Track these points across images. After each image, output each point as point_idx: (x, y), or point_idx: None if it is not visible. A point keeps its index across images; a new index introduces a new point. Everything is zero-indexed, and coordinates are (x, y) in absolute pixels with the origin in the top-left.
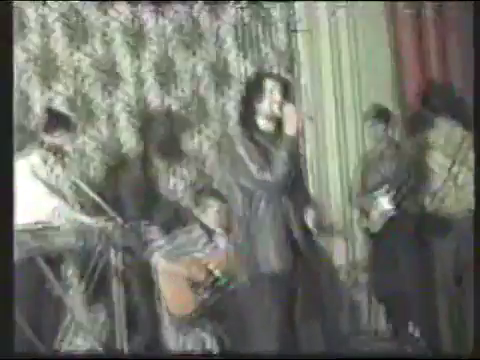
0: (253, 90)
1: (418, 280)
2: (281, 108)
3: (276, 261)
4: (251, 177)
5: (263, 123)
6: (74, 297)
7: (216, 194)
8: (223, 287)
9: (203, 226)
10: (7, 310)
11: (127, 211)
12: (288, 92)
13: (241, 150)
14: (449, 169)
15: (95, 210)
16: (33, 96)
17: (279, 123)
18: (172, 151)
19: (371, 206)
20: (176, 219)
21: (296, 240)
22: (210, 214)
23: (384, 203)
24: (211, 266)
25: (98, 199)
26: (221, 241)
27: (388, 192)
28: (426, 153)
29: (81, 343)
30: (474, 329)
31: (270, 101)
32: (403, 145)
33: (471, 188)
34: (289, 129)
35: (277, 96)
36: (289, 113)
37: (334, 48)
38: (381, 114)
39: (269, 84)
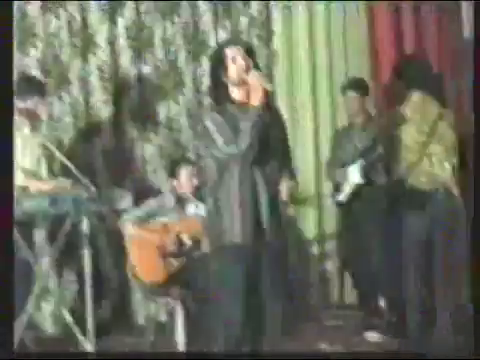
0: (216, 61)
1: (387, 253)
2: (248, 73)
3: (239, 233)
4: (217, 149)
5: (235, 92)
6: (44, 262)
7: (188, 160)
8: (190, 253)
9: (174, 192)
10: (7, 309)
11: (99, 178)
12: (252, 57)
13: (208, 123)
14: (423, 145)
15: (67, 176)
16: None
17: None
18: (146, 118)
19: (343, 179)
20: (149, 188)
21: (262, 213)
22: (182, 178)
23: (354, 173)
24: (179, 232)
25: (70, 165)
26: (190, 207)
27: (359, 163)
28: (400, 127)
29: (48, 308)
30: (474, 329)
31: (235, 69)
32: (377, 118)
33: (446, 164)
34: (253, 99)
35: (240, 61)
36: (253, 82)
37: (309, 19)
38: (358, 85)
39: (230, 52)
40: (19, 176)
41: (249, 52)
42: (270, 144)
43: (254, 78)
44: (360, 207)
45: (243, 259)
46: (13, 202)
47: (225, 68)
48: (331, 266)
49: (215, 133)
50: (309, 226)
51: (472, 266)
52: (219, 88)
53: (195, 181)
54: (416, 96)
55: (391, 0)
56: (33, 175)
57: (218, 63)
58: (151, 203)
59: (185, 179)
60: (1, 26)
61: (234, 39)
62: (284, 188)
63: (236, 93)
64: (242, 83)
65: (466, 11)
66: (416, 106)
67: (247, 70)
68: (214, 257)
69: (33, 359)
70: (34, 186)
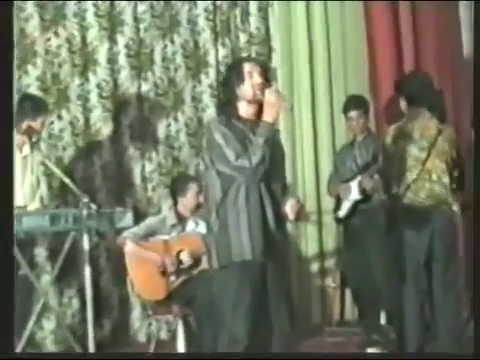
0: (232, 74)
1: (387, 269)
2: (263, 91)
3: (249, 250)
4: (228, 163)
5: (244, 108)
6: (44, 280)
7: (194, 178)
8: (190, 271)
9: (174, 210)
10: (7, 310)
11: (99, 196)
12: (268, 75)
13: (218, 137)
14: (423, 161)
15: (69, 194)
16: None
17: (260, 109)
18: (145, 136)
19: (343, 195)
20: (149, 206)
21: (270, 229)
22: (189, 195)
23: (353, 190)
24: (180, 249)
25: (70, 183)
26: (190, 224)
27: (358, 180)
28: (400, 144)
29: (49, 326)
30: (474, 329)
31: (251, 84)
32: (377, 135)
33: (445, 180)
34: (268, 116)
35: (257, 79)
36: (269, 99)
37: (308, 36)
38: (359, 104)
39: (248, 67)
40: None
41: (265, 71)
42: (276, 162)
43: (272, 95)
44: (359, 223)
45: (251, 276)
46: (13, 213)
47: (240, 82)
48: (331, 282)
49: (225, 147)
50: (310, 243)
51: (474, 266)
52: (230, 102)
53: (201, 198)
54: (418, 113)
55: (391, 0)
56: (32, 194)
57: (234, 76)
58: (151, 221)
59: (192, 196)
60: (1, 26)
61: (253, 57)
62: (290, 207)
63: (244, 109)
64: (254, 100)
65: (466, 28)
66: (418, 124)
67: (262, 87)
68: (222, 274)
69: (33, 359)
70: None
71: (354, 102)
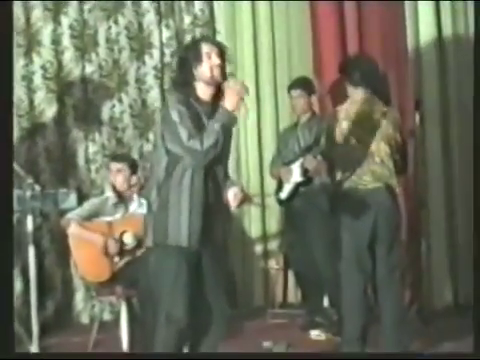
0: (190, 55)
1: (329, 252)
2: (221, 73)
3: (186, 236)
4: (179, 142)
5: (202, 89)
6: None
7: (121, 157)
8: (134, 252)
9: (115, 191)
10: (7, 310)
11: (43, 177)
12: (225, 57)
13: (174, 114)
14: (366, 143)
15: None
16: None
17: (217, 92)
18: (89, 117)
19: (285, 177)
20: (92, 187)
21: (210, 216)
22: (111, 175)
23: (295, 172)
24: (123, 230)
25: (14, 164)
26: (133, 205)
27: (300, 161)
28: (344, 125)
29: None
30: (474, 328)
31: (209, 66)
32: (321, 116)
33: (389, 163)
34: (229, 103)
35: (216, 60)
36: (234, 87)
37: (253, 18)
38: (304, 84)
39: (206, 48)
40: None
41: (223, 53)
42: (226, 149)
43: (237, 84)
44: (301, 205)
45: (186, 259)
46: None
47: (198, 63)
48: (275, 265)
49: (179, 125)
50: (253, 224)
51: (474, 264)
52: (187, 82)
53: (120, 177)
54: (362, 96)
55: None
56: None
57: (192, 57)
58: (94, 202)
59: (113, 176)
60: (1, 27)
61: (210, 37)
62: (233, 195)
63: (202, 91)
64: (212, 82)
65: (409, 12)
66: (362, 106)
67: (220, 69)
68: (159, 252)
69: (33, 359)
70: None
71: (298, 82)
